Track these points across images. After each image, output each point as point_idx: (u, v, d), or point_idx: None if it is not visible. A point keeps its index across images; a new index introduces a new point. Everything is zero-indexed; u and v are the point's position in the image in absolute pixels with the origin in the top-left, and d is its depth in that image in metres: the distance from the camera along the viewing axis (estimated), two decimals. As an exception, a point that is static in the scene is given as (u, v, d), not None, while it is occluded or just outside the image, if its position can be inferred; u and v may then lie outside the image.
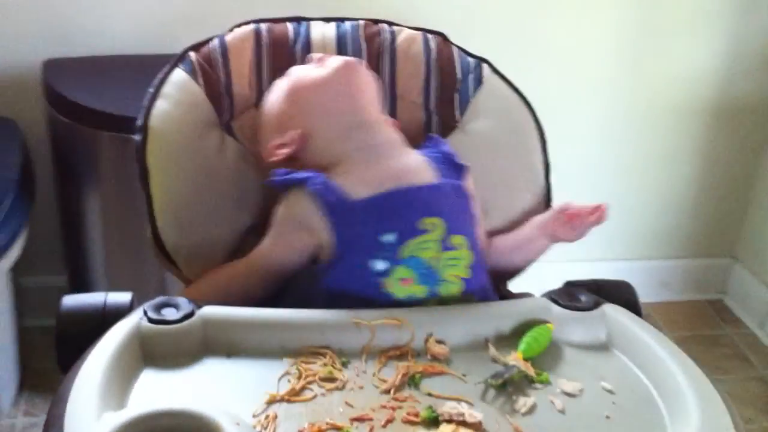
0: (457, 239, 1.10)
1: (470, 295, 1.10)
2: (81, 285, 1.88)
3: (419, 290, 1.07)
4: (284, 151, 1.16)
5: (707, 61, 2.16)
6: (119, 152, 1.71)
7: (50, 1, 1.84)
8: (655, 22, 2.10)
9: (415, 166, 1.14)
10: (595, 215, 1.14)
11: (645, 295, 2.27)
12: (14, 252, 1.66)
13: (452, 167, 1.16)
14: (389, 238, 1.07)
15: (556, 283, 1.14)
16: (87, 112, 1.68)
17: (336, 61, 1.18)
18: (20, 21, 1.84)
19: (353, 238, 1.08)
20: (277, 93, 1.20)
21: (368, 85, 1.19)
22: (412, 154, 1.16)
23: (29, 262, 1.83)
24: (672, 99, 2.18)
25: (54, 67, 1.80)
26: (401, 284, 1.07)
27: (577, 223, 1.14)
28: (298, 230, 1.10)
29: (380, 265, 1.07)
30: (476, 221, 1.15)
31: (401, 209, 1.09)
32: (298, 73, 1.20)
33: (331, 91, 1.16)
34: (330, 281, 1.08)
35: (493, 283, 1.16)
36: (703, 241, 2.37)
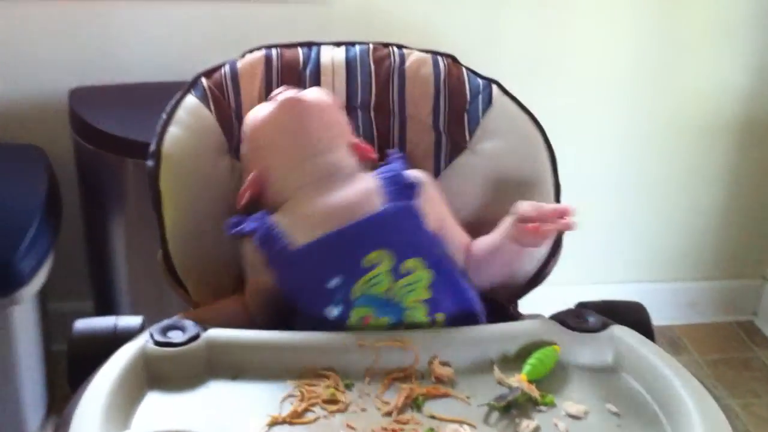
0: (410, 263, 1.07)
1: (440, 315, 1.08)
2: (107, 310, 1.90)
3: (383, 321, 1.06)
4: (246, 196, 1.17)
5: (733, 76, 2.14)
6: (143, 178, 1.72)
7: (76, 33, 1.88)
8: (678, 36, 2.09)
9: (359, 199, 1.12)
10: (559, 224, 1.11)
11: (673, 318, 2.30)
12: (41, 277, 1.68)
13: (402, 188, 1.14)
14: (336, 282, 1.06)
15: (579, 307, 1.13)
16: (112, 139, 1.71)
17: (281, 97, 1.20)
18: (47, 51, 1.89)
19: (300, 287, 1.08)
20: (243, 135, 1.23)
21: (311, 117, 1.19)
22: (360, 183, 1.15)
23: (56, 287, 1.86)
24: (698, 116, 2.16)
25: (80, 96, 1.83)
26: (363, 323, 1.06)
27: (538, 232, 1.10)
28: (258, 276, 1.12)
29: (334, 311, 1.06)
30: (433, 239, 1.12)
31: (343, 251, 1.08)
32: (252, 116, 1.22)
33: (276, 129, 1.18)
34: (299, 326, 1.07)
35: (495, 305, 1.15)
36: (732, 261, 2.34)
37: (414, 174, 1.17)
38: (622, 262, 2.27)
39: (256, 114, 1.21)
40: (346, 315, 1.06)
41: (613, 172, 2.19)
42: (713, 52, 2.11)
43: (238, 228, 1.13)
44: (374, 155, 1.23)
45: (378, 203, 1.11)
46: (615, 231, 2.24)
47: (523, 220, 1.11)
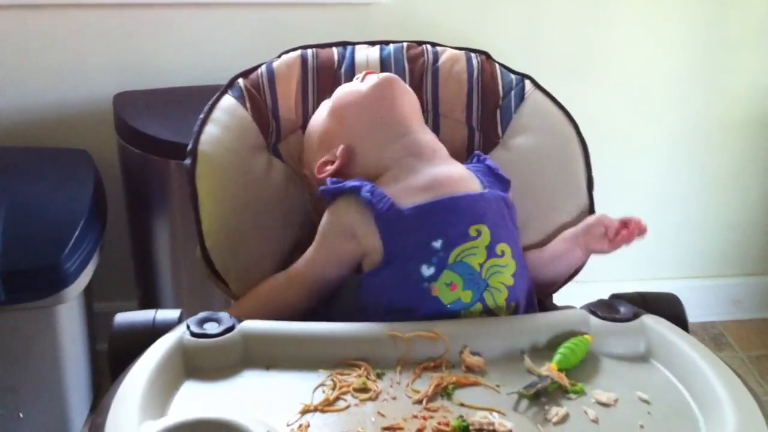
0: (502, 247, 1.11)
1: (514, 303, 1.10)
2: (151, 309, 1.94)
3: (465, 295, 1.08)
4: (331, 168, 1.18)
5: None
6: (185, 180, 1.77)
7: (120, 40, 1.93)
8: (724, 34, 2.08)
9: (461, 176, 1.16)
10: (631, 230, 1.14)
11: (717, 314, 2.28)
12: (86, 277, 1.72)
13: (496, 179, 1.17)
14: (437, 244, 1.09)
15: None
16: (155, 142, 1.75)
17: (375, 76, 1.21)
18: (92, 58, 1.94)
19: (402, 245, 1.10)
20: (321, 113, 1.24)
21: (408, 98, 1.21)
22: (457, 165, 1.18)
23: (101, 287, 1.90)
24: (742, 114, 2.14)
25: (124, 100, 1.88)
26: (449, 289, 1.08)
27: (612, 237, 1.14)
28: (343, 238, 1.13)
29: (428, 269, 1.08)
30: (518, 233, 1.16)
31: (449, 216, 1.10)
32: (340, 92, 1.23)
33: (372, 104, 1.19)
34: (376, 289, 1.10)
35: (534, 295, 1.16)
36: (777, 258, 2.31)
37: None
38: (666, 258, 2.25)
39: (349, 89, 1.23)
40: (437, 275, 1.08)
41: (657, 170, 2.18)
42: (760, 51, 2.09)
43: (339, 185, 1.14)
44: None
45: (478, 185, 1.15)
46: (659, 227, 2.19)
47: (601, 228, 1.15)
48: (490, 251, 1.10)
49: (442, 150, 1.20)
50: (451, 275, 1.08)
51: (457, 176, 1.15)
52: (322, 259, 1.15)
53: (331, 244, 1.14)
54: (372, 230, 1.11)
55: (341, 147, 1.18)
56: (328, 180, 1.15)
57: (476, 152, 1.25)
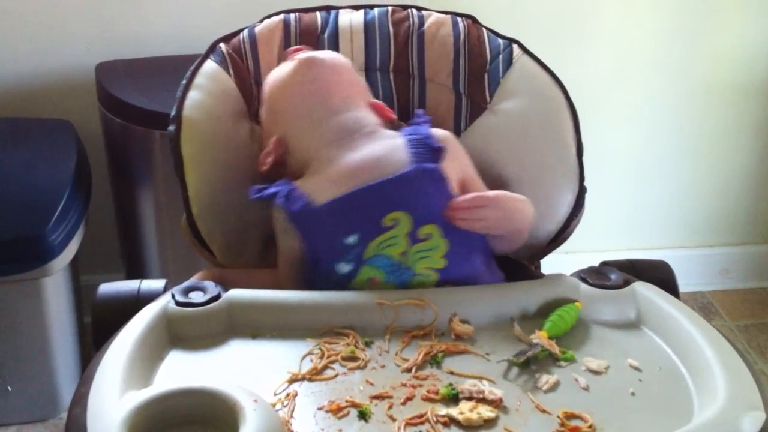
0: (427, 229, 1.07)
1: (448, 286, 1.07)
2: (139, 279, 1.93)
3: (389, 287, 1.06)
4: (269, 160, 1.17)
5: (765, 37, 2.09)
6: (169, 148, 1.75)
7: (101, 9, 1.90)
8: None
9: (383, 155, 1.11)
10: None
11: (705, 284, 2.28)
12: (72, 249, 1.71)
13: (428, 150, 1.12)
14: (352, 239, 1.06)
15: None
16: (138, 111, 1.73)
17: (298, 57, 1.19)
18: (73, 28, 1.91)
19: (319, 243, 1.08)
20: (262, 99, 1.23)
21: (329, 76, 1.18)
22: (384, 140, 1.14)
23: (87, 260, 1.89)
24: (729, 77, 2.12)
25: (106, 70, 1.85)
26: (370, 284, 1.06)
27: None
28: (285, 236, 1.12)
29: (345, 268, 1.07)
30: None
31: (362, 209, 1.07)
32: (269, 80, 1.22)
33: (292, 92, 1.18)
34: (314, 285, 1.08)
35: (514, 264, 1.15)
36: (766, 226, 2.30)
37: (440, 134, 1.15)
38: (653, 227, 2.25)
39: (274, 76, 1.21)
40: (354, 273, 1.06)
41: (643, 136, 2.16)
42: (745, 13, 2.07)
43: (261, 193, 1.13)
44: (394, 116, 1.22)
45: (403, 161, 1.10)
46: (645, 196, 2.22)
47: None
48: (412, 237, 1.06)
49: (368, 126, 1.16)
50: (370, 270, 1.06)
51: (376, 158, 1.11)
52: (283, 256, 1.14)
53: (281, 243, 1.14)
54: (293, 232, 1.10)
55: (274, 138, 1.18)
56: (252, 189, 1.14)
57: (417, 111, 1.22)
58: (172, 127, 1.20)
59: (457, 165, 1.14)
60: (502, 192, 1.13)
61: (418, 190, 1.09)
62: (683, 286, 1.14)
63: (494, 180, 1.21)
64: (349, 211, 1.08)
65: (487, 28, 1.30)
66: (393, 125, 1.21)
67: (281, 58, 1.26)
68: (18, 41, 1.90)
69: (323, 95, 1.17)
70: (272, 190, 1.12)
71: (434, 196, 1.09)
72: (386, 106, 1.23)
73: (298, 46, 1.23)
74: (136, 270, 1.95)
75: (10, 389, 1.75)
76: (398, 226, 1.06)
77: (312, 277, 1.09)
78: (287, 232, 1.11)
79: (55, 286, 1.72)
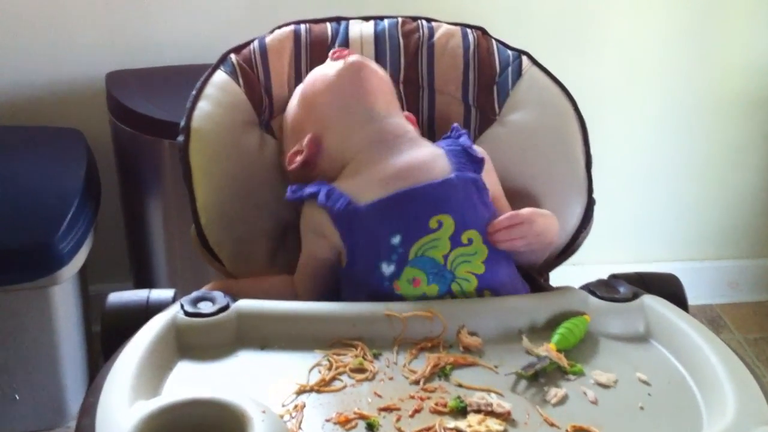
0: (469, 234, 1.08)
1: (486, 291, 1.08)
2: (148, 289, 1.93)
3: (431, 290, 1.07)
4: (299, 159, 1.18)
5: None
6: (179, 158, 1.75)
7: (112, 17, 1.91)
8: (716, 8, 2.05)
9: (427, 160, 1.12)
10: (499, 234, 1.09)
11: (714, 297, 2.27)
12: (80, 258, 1.71)
13: (469, 160, 1.13)
14: (396, 240, 1.07)
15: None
16: (148, 121, 1.73)
17: (342, 61, 1.19)
18: (84, 37, 1.91)
19: (362, 242, 1.09)
20: (294, 99, 1.23)
21: (376, 81, 1.19)
22: (426, 147, 1.15)
23: (96, 269, 1.89)
24: (738, 90, 2.12)
25: (116, 79, 1.85)
26: (412, 285, 1.06)
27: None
28: (316, 237, 1.12)
29: (388, 267, 1.07)
30: (494, 215, 1.11)
31: (408, 210, 1.08)
32: (310, 77, 1.22)
33: (338, 91, 1.18)
34: (350, 286, 1.09)
35: (525, 276, 1.15)
36: (773, 239, 2.30)
37: (479, 149, 1.17)
38: (662, 240, 2.24)
39: (318, 75, 1.21)
40: (398, 273, 1.06)
41: (651, 149, 2.16)
42: (753, 25, 2.07)
43: (299, 193, 1.13)
44: (419, 129, 1.23)
45: (446, 168, 1.11)
46: (654, 209, 2.22)
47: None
48: (455, 241, 1.07)
49: (410, 132, 1.17)
50: (414, 271, 1.07)
51: (421, 162, 1.12)
52: (307, 257, 1.14)
53: (309, 243, 1.14)
54: (334, 231, 1.10)
55: (308, 137, 1.17)
56: (289, 189, 1.14)
57: (454, 125, 1.22)
58: (181, 138, 1.21)
59: (490, 180, 1.15)
60: (532, 209, 1.13)
61: (462, 195, 1.10)
62: (692, 299, 1.14)
63: (505, 192, 1.21)
64: (394, 212, 1.08)
65: (496, 40, 1.31)
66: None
67: (292, 69, 1.27)
68: (29, 50, 1.91)
69: (369, 99, 1.17)
70: (310, 189, 1.12)
71: (477, 204, 1.10)
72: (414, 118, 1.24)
73: (341, 48, 1.22)
74: (144, 279, 1.95)
75: (17, 397, 1.75)
76: (443, 228, 1.07)
77: (345, 278, 1.09)
78: (322, 234, 1.11)
79: (63, 295, 1.72)
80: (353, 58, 1.20)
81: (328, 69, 1.20)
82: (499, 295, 1.09)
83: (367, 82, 1.18)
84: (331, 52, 1.22)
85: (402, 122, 1.18)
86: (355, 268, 1.09)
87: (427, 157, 1.13)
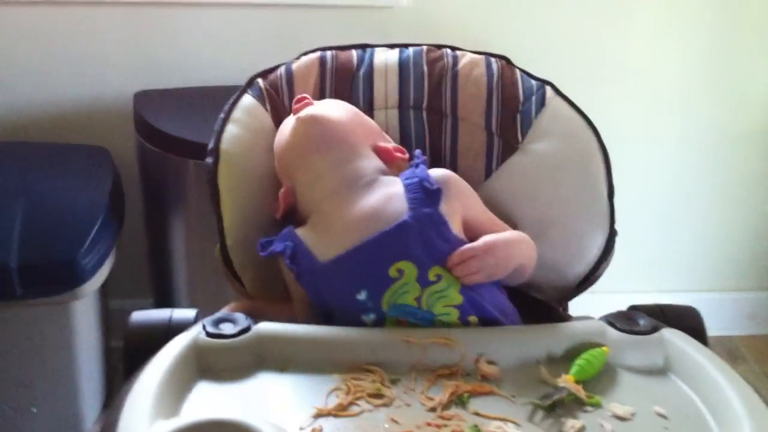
0: (436, 271, 1.07)
1: (471, 318, 1.08)
2: (166, 307, 1.94)
3: (419, 326, 1.07)
4: (279, 210, 1.20)
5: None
6: (204, 179, 1.76)
7: (140, 38, 1.94)
8: (737, 42, 2.06)
9: (380, 206, 1.12)
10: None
11: (733, 328, 2.26)
12: (102, 274, 1.72)
13: (425, 193, 1.12)
14: (362, 296, 1.08)
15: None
16: (174, 141, 1.75)
17: (300, 114, 1.20)
18: (113, 56, 1.95)
19: (329, 300, 1.10)
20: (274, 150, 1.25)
21: (330, 132, 1.19)
22: (381, 189, 1.14)
23: (118, 284, 1.90)
24: (758, 123, 2.12)
25: (144, 99, 1.88)
26: (400, 326, 1.07)
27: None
28: (296, 290, 1.15)
29: (368, 318, 1.08)
30: (459, 244, 1.10)
31: (366, 264, 1.08)
32: (278, 134, 1.24)
33: (294, 148, 1.20)
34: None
35: (544, 305, 1.15)
36: (794, 272, 2.29)
37: (439, 175, 1.16)
38: (681, 270, 2.24)
39: (280, 133, 1.24)
40: (381, 322, 1.08)
41: (672, 180, 2.16)
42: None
43: (269, 249, 1.15)
44: (404, 155, 1.22)
45: (401, 210, 1.11)
46: (674, 239, 2.21)
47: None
48: (423, 281, 1.07)
49: (370, 174, 1.16)
50: (395, 319, 1.07)
51: (374, 210, 1.12)
52: (297, 302, 1.16)
53: (292, 290, 1.16)
54: (302, 289, 1.13)
55: (282, 190, 1.20)
56: (259, 242, 1.16)
57: (415, 151, 1.22)
58: (209, 160, 1.22)
59: (459, 204, 1.14)
60: (490, 237, 1.11)
61: (417, 236, 1.09)
62: (710, 330, 1.13)
63: (526, 220, 1.22)
64: (353, 268, 1.09)
65: (520, 69, 1.32)
66: (403, 164, 1.21)
67: (317, 96, 1.28)
68: (58, 68, 1.94)
69: (323, 150, 1.18)
70: (278, 247, 1.14)
71: (435, 240, 1.09)
72: (394, 146, 1.23)
73: (303, 96, 1.24)
74: (164, 296, 1.97)
75: (35, 411, 1.76)
76: (405, 275, 1.07)
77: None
78: (296, 287, 1.14)
79: (84, 310, 1.74)
80: (305, 113, 1.20)
81: (287, 124, 1.23)
82: (486, 317, 1.08)
83: (319, 135, 1.19)
84: (294, 100, 1.24)
85: (361, 165, 1.17)
86: (336, 319, 1.09)
87: (379, 202, 1.12)
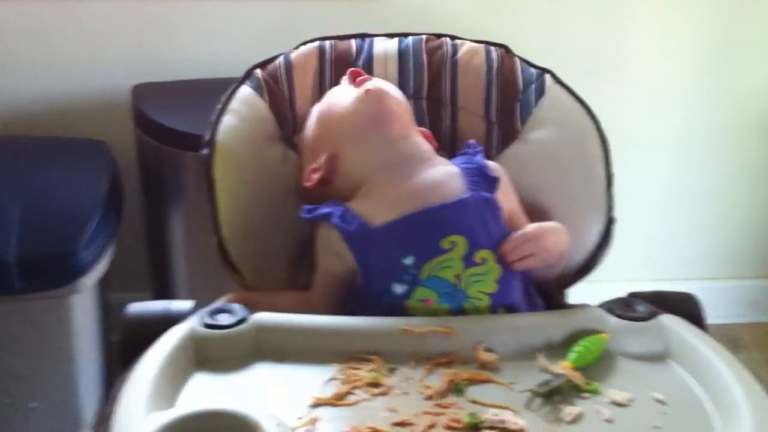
0: (482, 254, 1.08)
1: (500, 310, 1.09)
2: (165, 300, 1.94)
3: (441, 310, 1.07)
4: (316, 176, 1.19)
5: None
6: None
7: (138, 31, 1.94)
8: (738, 34, 2.06)
9: (440, 180, 1.13)
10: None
11: (734, 316, 2.26)
12: (101, 267, 1.72)
13: (483, 179, 1.14)
14: (408, 260, 1.08)
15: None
16: (173, 133, 1.74)
17: (363, 88, 1.19)
18: (111, 49, 1.94)
19: (375, 263, 1.09)
20: (311, 118, 1.24)
21: (394, 108, 1.19)
22: (441, 167, 1.16)
23: (116, 278, 1.90)
24: (757, 114, 2.12)
25: (142, 92, 1.87)
26: (423, 305, 1.07)
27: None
28: (331, 257, 1.13)
29: (400, 288, 1.08)
30: (507, 234, 1.11)
31: (420, 231, 1.09)
32: (329, 98, 1.23)
33: (355, 119, 1.18)
34: (364, 305, 1.09)
35: (541, 293, 1.15)
36: (796, 259, 2.28)
37: (493, 166, 1.18)
38: (681, 259, 2.24)
39: (336, 99, 1.22)
40: (409, 293, 1.07)
41: (672, 169, 2.16)
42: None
43: (314, 213, 1.14)
44: (435, 144, 1.23)
45: (460, 188, 1.13)
46: (675, 228, 2.21)
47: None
48: (468, 261, 1.08)
49: (425, 152, 1.18)
50: (425, 291, 1.07)
51: (434, 182, 1.13)
52: (322, 276, 1.15)
53: (324, 262, 1.15)
54: (348, 252, 1.11)
55: (326, 155, 1.18)
56: (304, 208, 1.15)
57: (470, 142, 1.22)
58: (205, 151, 1.22)
59: (506, 198, 1.16)
60: (538, 225, 1.14)
61: (476, 215, 1.11)
62: (711, 318, 1.13)
63: (526, 209, 1.21)
64: (406, 233, 1.09)
65: (520, 58, 1.31)
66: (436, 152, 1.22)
67: (316, 85, 1.28)
68: (56, 62, 1.94)
69: (385, 125, 1.18)
70: (325, 210, 1.13)
71: (490, 224, 1.11)
72: (429, 134, 1.24)
73: (358, 69, 1.23)
74: (163, 289, 1.96)
75: (34, 405, 1.76)
76: (455, 249, 1.08)
77: (359, 297, 1.10)
78: (336, 253, 1.12)
79: (82, 304, 1.73)
80: (372, 85, 1.20)
81: (347, 94, 1.20)
82: (519, 310, 1.09)
83: (385, 111, 1.18)
84: (350, 72, 1.22)
85: (417, 141, 1.19)
86: (369, 288, 1.09)
87: (440, 177, 1.14)
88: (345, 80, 1.23)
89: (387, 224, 1.10)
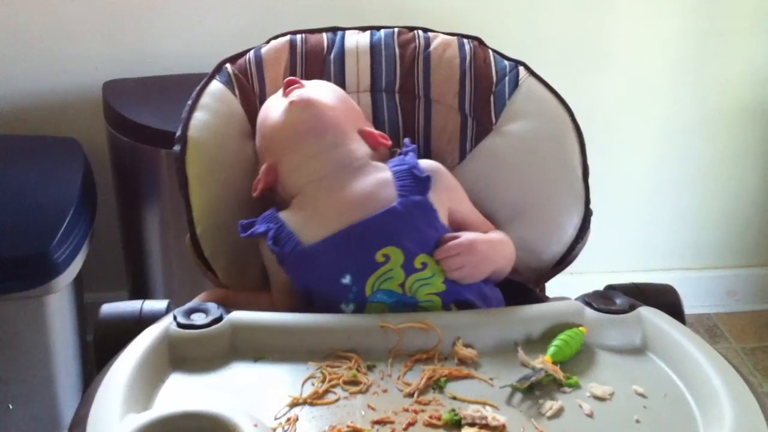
0: (422, 258, 1.07)
1: (452, 306, 1.07)
2: (141, 299, 1.92)
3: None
4: (259, 187, 1.18)
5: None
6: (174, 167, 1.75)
7: (109, 28, 1.91)
8: (719, 21, 2.06)
9: (372, 191, 1.11)
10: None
11: (711, 306, 2.27)
12: (76, 266, 1.70)
13: (415, 181, 1.12)
14: (346, 279, 1.07)
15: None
16: (145, 130, 1.72)
17: (290, 99, 1.18)
18: (81, 46, 1.91)
19: (314, 283, 1.09)
20: (257, 127, 1.23)
21: (325, 115, 1.17)
22: (373, 175, 1.14)
23: (92, 277, 1.88)
24: (736, 103, 2.12)
25: (113, 89, 1.85)
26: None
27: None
28: (278, 274, 1.13)
29: (348, 307, 1.07)
30: (445, 235, 1.11)
31: (352, 248, 1.08)
32: (264, 108, 1.22)
33: (285, 129, 1.17)
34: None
35: (521, 287, 1.14)
36: (772, 249, 2.29)
37: (428, 165, 1.16)
38: (661, 249, 2.24)
39: (267, 111, 1.21)
40: (360, 311, 1.06)
41: (651, 159, 2.16)
42: (754, 38, 2.07)
43: (251, 230, 1.13)
44: (387, 141, 1.21)
45: (391, 196, 1.11)
46: (653, 218, 2.21)
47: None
48: (408, 268, 1.07)
49: (359, 159, 1.15)
50: (375, 306, 1.07)
51: (365, 194, 1.11)
52: (276, 284, 1.15)
53: (273, 276, 1.15)
54: (284, 273, 1.11)
55: (264, 166, 1.18)
56: (240, 223, 1.14)
57: (405, 140, 1.21)
58: (177, 147, 1.20)
59: (446, 197, 1.14)
60: (473, 235, 1.12)
61: (406, 223, 1.09)
62: (689, 308, 1.13)
63: (501, 202, 1.21)
64: (339, 251, 1.08)
65: (493, 50, 1.30)
66: (386, 150, 1.21)
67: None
68: (26, 59, 1.91)
69: (316, 134, 1.16)
70: (261, 228, 1.12)
71: (423, 228, 1.09)
72: (378, 132, 1.22)
73: (293, 78, 1.22)
74: (140, 288, 1.95)
75: (11, 407, 1.74)
76: (391, 260, 1.07)
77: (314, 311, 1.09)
78: (278, 270, 1.12)
79: (58, 304, 1.72)
80: (297, 96, 1.18)
81: (278, 105, 1.19)
82: (467, 305, 1.08)
83: (313, 119, 1.16)
84: (285, 81, 1.21)
85: (351, 149, 1.16)
86: (316, 306, 1.08)
87: (370, 188, 1.12)
88: (281, 91, 1.22)
89: (319, 243, 1.09)
